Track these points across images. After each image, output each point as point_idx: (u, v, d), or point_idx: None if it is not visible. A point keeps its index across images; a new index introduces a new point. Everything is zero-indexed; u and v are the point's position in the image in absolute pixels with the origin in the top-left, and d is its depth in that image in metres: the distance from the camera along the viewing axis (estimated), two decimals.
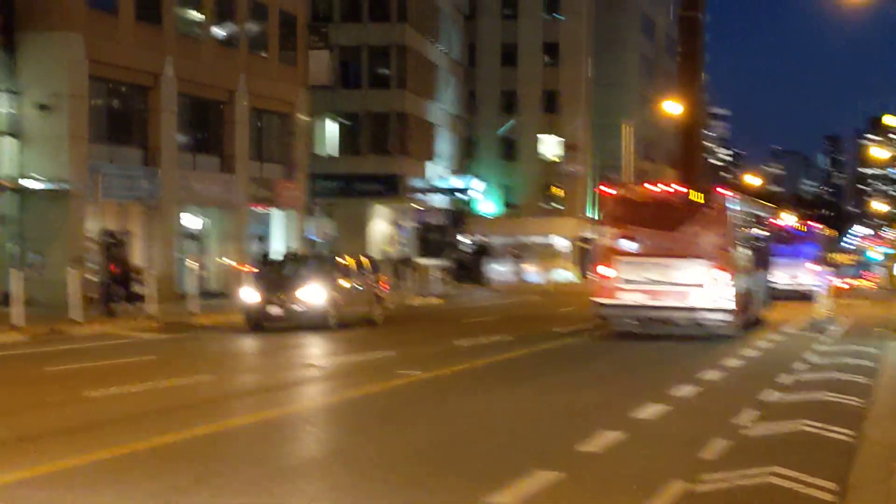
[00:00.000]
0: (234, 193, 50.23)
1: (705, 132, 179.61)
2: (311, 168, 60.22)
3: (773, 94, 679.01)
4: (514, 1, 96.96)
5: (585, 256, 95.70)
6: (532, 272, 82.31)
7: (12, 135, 40.21)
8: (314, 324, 33.05)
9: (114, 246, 40.97)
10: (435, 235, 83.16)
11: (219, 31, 50.07)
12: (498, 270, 73.43)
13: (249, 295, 33.88)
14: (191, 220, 49.23)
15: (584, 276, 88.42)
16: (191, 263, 43.71)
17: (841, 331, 35.68)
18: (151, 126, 45.46)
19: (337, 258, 36.82)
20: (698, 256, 30.38)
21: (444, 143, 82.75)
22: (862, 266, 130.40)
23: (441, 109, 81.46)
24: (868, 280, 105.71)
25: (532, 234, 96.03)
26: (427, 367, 23.05)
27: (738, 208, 32.74)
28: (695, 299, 30.43)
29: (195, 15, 48.80)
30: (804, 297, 45.10)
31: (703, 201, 31.08)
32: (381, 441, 14.68)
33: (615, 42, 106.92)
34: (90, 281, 39.38)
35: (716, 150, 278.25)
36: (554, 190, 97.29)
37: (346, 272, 35.47)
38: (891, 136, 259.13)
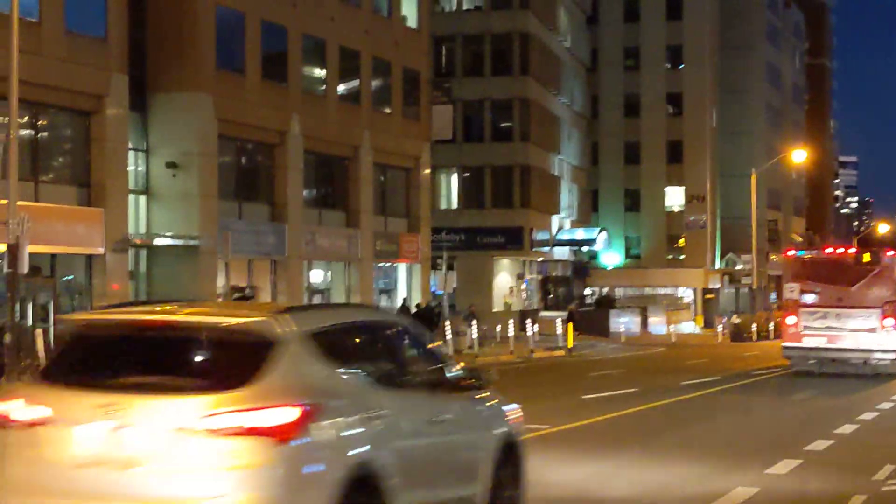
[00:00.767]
0: (358, 248, 50.68)
1: (833, 181, 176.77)
2: (434, 221, 60.56)
3: None
4: (636, 52, 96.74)
5: (710, 307, 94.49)
6: (657, 324, 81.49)
7: (143, 192, 41.15)
8: None
9: (243, 300, 41.56)
10: (558, 287, 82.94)
11: (343, 89, 50.76)
12: (622, 322, 72.86)
13: None
14: (317, 275, 49.76)
15: (708, 326, 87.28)
16: None
17: None
18: (278, 182, 46.16)
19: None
20: (869, 307, 35.85)
21: (567, 195, 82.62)
22: None
23: (564, 161, 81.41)
24: None
25: (656, 286, 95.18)
26: (554, 422, 22.86)
27: None
28: (866, 342, 35.87)
29: (320, 73, 49.57)
30: None
31: (871, 260, 36.59)
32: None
33: (740, 91, 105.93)
34: None
35: (844, 197, 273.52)
36: (680, 243, 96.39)
37: None
38: None
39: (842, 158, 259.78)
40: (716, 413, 26.30)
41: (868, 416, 25.21)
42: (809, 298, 36.96)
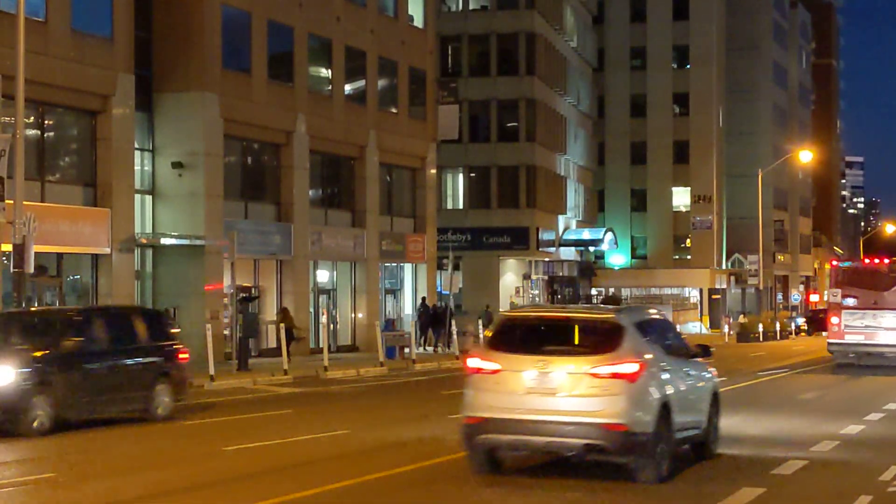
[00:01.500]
0: (364, 248, 50.67)
1: (840, 181, 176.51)
2: (440, 221, 60.52)
3: None
4: (642, 52, 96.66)
5: (716, 308, 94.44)
6: None
7: (149, 192, 41.16)
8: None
9: (247, 301, 41.56)
10: (564, 288, 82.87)
11: (349, 89, 50.77)
12: None
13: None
14: (323, 275, 49.77)
15: (714, 327, 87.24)
16: (323, 318, 44.18)
17: None
18: (284, 182, 46.16)
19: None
20: None
21: (573, 195, 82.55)
22: None
23: (570, 161, 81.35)
24: None
25: (662, 286, 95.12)
26: None
27: None
28: None
29: (326, 73, 49.56)
30: None
31: None
32: (519, 497, 14.52)
33: (747, 91, 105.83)
34: (225, 335, 40.05)
35: (851, 197, 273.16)
36: (687, 243, 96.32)
37: None
38: None
39: (848, 158, 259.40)
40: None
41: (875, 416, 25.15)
42: (850, 302, 43.00)
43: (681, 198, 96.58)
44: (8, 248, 30.17)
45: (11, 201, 28.91)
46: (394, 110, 53.62)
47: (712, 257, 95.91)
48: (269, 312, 45.12)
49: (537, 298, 75.57)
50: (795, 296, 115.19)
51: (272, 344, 43.11)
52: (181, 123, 41.04)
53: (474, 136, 72.82)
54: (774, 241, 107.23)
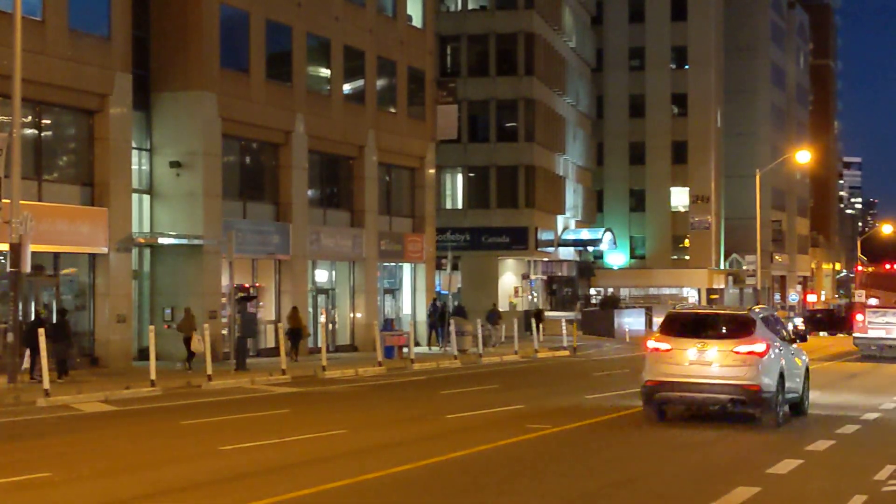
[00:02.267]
0: (363, 247, 50.63)
1: (837, 181, 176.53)
2: (439, 221, 60.48)
3: None
4: (641, 52, 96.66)
5: (715, 307, 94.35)
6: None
7: (147, 192, 41.13)
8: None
9: (246, 300, 41.54)
10: (563, 287, 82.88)
11: (348, 88, 50.73)
12: (627, 322, 72.81)
13: None
14: (321, 275, 49.74)
15: None
16: (322, 318, 44.19)
17: None
18: (282, 182, 46.13)
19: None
20: None
21: (572, 195, 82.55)
22: None
23: (569, 161, 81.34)
24: None
25: (661, 286, 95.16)
26: (557, 422, 22.84)
27: None
28: None
29: (324, 73, 49.52)
30: None
31: None
32: (511, 496, 14.54)
33: (745, 92, 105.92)
34: (223, 335, 40.02)
35: (848, 198, 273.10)
36: (685, 243, 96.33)
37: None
38: None
39: (846, 159, 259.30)
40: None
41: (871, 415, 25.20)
42: (873, 301, 50.63)
43: (679, 198, 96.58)
44: (5, 247, 30.17)
45: (8, 200, 28.91)
46: (392, 110, 53.59)
47: (710, 257, 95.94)
48: (268, 312, 45.11)
49: (536, 299, 75.57)
50: (793, 296, 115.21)
51: (270, 344, 43.10)
52: (179, 123, 41.00)
53: (473, 135, 72.83)
54: (772, 242, 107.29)
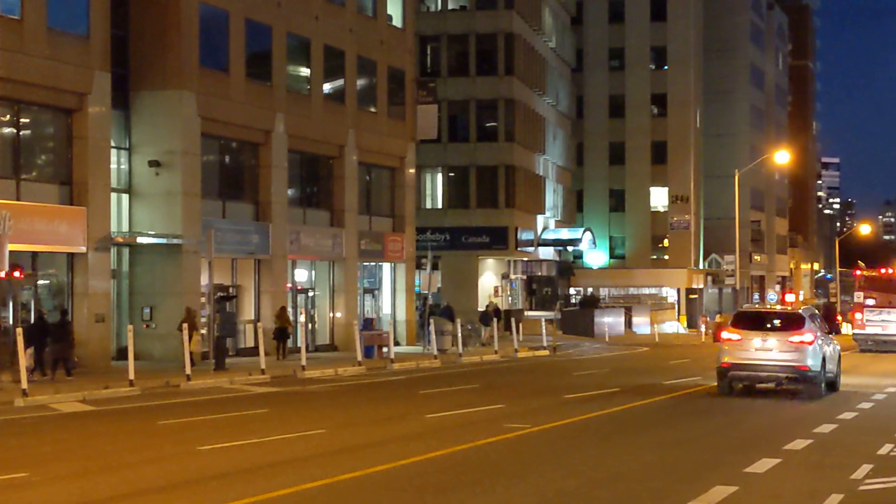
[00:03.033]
0: (343, 247, 50.61)
1: (816, 182, 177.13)
2: (419, 221, 60.48)
3: (884, 140, 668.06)
4: (620, 53, 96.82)
5: (694, 307, 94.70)
6: (641, 323, 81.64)
7: (125, 191, 41.01)
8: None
9: (225, 300, 41.48)
10: (543, 287, 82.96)
11: (328, 88, 50.68)
12: (606, 322, 72.98)
13: None
14: (301, 274, 49.68)
15: (691, 326, 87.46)
16: (301, 317, 44.16)
17: None
18: (262, 181, 46.06)
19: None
20: None
21: (552, 195, 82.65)
22: None
23: (549, 161, 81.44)
24: None
25: (640, 286, 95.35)
26: (536, 421, 22.88)
27: None
28: None
29: (304, 72, 49.47)
30: None
31: None
32: (490, 495, 14.56)
33: (724, 92, 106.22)
34: (202, 335, 39.92)
35: (827, 198, 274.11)
36: (664, 243, 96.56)
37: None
38: None
39: (824, 160, 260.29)
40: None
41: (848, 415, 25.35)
42: (870, 301, 56.78)
43: (659, 198, 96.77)
44: None
45: None
46: (373, 110, 53.57)
47: (690, 257, 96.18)
48: (247, 312, 45.05)
49: (511, 297, 75.64)
50: (772, 295, 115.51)
51: (250, 343, 43.05)
52: (158, 122, 40.91)
53: (453, 135, 72.84)
54: (751, 242, 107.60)
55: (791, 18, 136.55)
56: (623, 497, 14.67)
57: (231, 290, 43.70)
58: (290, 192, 47.56)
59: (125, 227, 40.65)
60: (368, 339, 44.20)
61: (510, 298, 74.96)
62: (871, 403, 28.88)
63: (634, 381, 34.86)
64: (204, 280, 40.48)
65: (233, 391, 30.87)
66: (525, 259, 77.20)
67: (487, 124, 73.43)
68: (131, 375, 29.93)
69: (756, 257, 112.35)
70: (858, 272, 62.49)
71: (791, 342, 29.09)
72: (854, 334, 58.21)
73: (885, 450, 19.47)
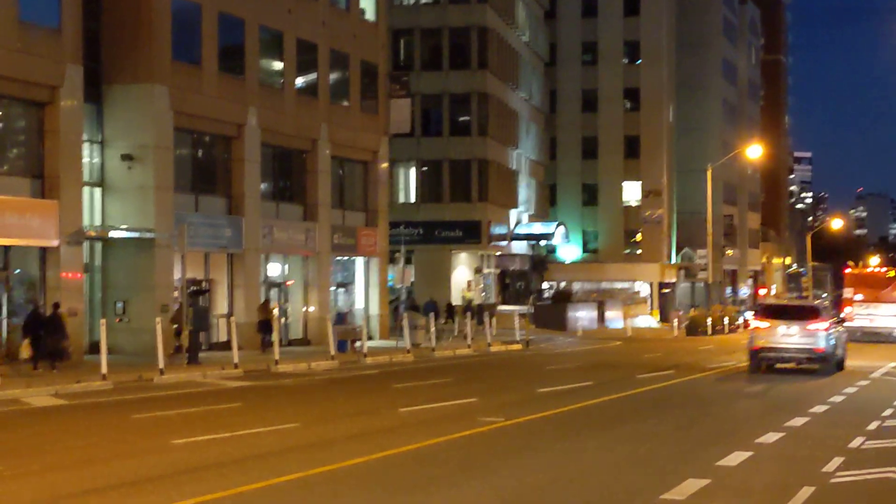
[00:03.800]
0: (316, 241, 50.55)
1: (788, 176, 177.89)
2: (392, 215, 60.48)
3: (856, 135, 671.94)
4: (593, 47, 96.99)
5: (666, 302, 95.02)
6: (613, 318, 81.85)
7: (98, 185, 40.86)
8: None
9: (198, 294, 41.37)
10: (516, 281, 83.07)
11: (300, 82, 50.60)
12: (579, 316, 73.11)
13: None
14: (274, 268, 49.61)
15: (664, 320, 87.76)
16: (274, 311, 44.11)
17: None
18: (235, 175, 45.96)
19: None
20: (892, 302, 62.51)
21: (525, 189, 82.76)
22: None
23: (522, 155, 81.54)
24: None
25: (613, 280, 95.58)
26: (510, 415, 22.94)
27: None
28: (891, 323, 62.20)
29: (277, 66, 49.38)
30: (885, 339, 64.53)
31: (894, 275, 64.09)
32: (463, 489, 14.60)
33: (697, 87, 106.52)
34: (174, 329, 39.82)
35: (799, 192, 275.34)
36: (637, 237, 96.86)
37: None
38: None
39: (797, 154, 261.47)
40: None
41: (819, 408, 25.50)
42: (858, 297, 62.86)
43: (632, 192, 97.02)
44: None
45: None
46: (346, 103, 53.52)
47: (662, 251, 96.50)
48: (220, 306, 44.96)
49: (485, 292, 75.72)
50: (744, 290, 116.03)
51: (223, 337, 42.97)
52: (131, 115, 40.76)
53: (426, 129, 72.86)
54: (724, 236, 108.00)
55: (764, 13, 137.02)
56: (596, 491, 14.73)
57: (204, 284, 43.60)
58: (262, 185, 47.47)
59: (98, 221, 40.51)
60: (342, 333, 44.17)
61: (483, 293, 75.03)
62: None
63: (607, 375, 34.98)
64: (177, 274, 40.39)
65: (206, 385, 30.83)
66: (498, 253, 77.30)
67: (461, 118, 73.46)
68: (104, 369, 29.85)
69: (728, 251, 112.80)
70: (848, 270, 68.13)
71: (809, 329, 35.82)
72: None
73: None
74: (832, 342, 36.36)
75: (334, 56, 52.38)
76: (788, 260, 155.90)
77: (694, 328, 72.05)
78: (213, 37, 44.37)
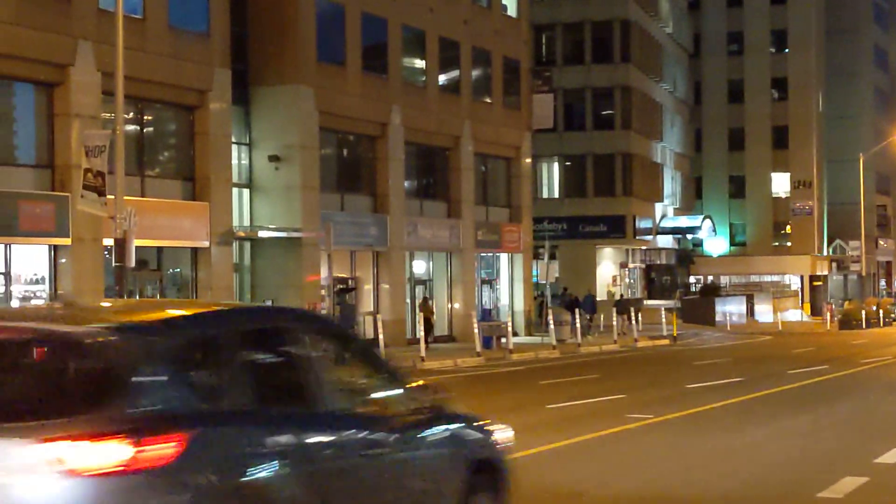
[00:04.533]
0: (460, 238, 50.72)
1: None
2: (536, 211, 60.36)
3: None
4: (739, 37, 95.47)
5: (818, 295, 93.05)
6: (763, 312, 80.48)
7: (246, 186, 41.59)
8: None
9: (345, 292, 41.85)
10: (662, 276, 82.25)
11: (443, 79, 50.81)
12: (727, 310, 72.08)
13: None
14: (419, 266, 49.91)
15: (815, 314, 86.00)
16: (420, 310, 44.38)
17: None
18: (379, 174, 46.37)
19: None
20: None
21: (670, 183, 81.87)
22: None
23: (666, 148, 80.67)
24: None
25: (762, 273, 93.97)
26: (658, 411, 22.67)
27: None
28: None
29: (420, 64, 49.67)
30: None
31: None
32: (612, 488, 14.47)
33: (847, 75, 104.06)
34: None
35: None
36: (786, 229, 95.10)
37: None
38: None
39: None
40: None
41: None
42: None
43: (780, 184, 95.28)
44: (110, 242, 30.71)
45: (113, 196, 29.40)
46: (488, 100, 53.57)
47: (813, 244, 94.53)
48: (366, 304, 45.39)
49: (626, 287, 75.13)
50: None
51: (369, 335, 43.37)
52: (277, 117, 41.40)
53: (569, 124, 72.57)
54: (877, 227, 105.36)
55: None
56: (752, 487, 14.45)
57: (350, 281, 44.06)
58: (406, 183, 47.80)
59: (246, 222, 41.24)
60: (487, 329, 44.26)
61: (629, 287, 74.43)
62: None
63: (758, 370, 34.37)
64: (323, 272, 40.89)
65: None
66: (643, 247, 76.64)
67: (604, 112, 73.01)
68: None
69: (882, 242, 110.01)
70: None
71: None
72: None
73: None
74: None
75: (476, 53, 52.46)
76: None
77: (847, 322, 70.38)
78: (356, 37, 44.81)
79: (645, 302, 70.88)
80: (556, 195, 72.43)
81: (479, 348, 40.04)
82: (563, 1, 73.58)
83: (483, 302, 53.49)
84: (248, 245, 41.74)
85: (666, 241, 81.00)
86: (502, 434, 9.44)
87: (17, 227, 31.52)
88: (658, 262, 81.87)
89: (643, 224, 73.91)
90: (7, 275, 32.38)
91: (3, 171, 32.12)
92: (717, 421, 21.74)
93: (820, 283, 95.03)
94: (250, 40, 41.58)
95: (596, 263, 72.22)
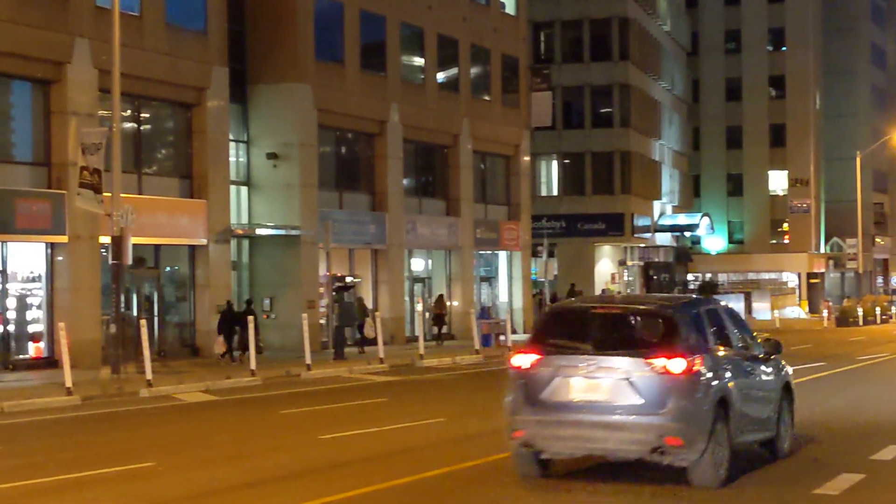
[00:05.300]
0: (459, 236, 50.70)
1: None
2: (534, 209, 60.33)
3: None
4: (737, 35, 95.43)
5: (815, 292, 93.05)
6: (761, 309, 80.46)
7: (244, 184, 41.56)
8: None
9: (343, 290, 41.82)
10: (660, 273, 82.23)
11: (442, 77, 50.78)
12: None
13: None
14: (417, 264, 49.89)
15: (813, 311, 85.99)
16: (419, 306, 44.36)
17: None
18: (378, 172, 46.33)
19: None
20: None
21: (669, 180, 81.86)
22: None
23: (665, 146, 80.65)
24: None
25: (760, 271, 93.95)
26: None
27: None
28: None
29: (418, 62, 49.63)
30: None
31: None
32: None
33: (844, 73, 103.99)
34: (321, 324, 40.34)
35: None
36: (784, 227, 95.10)
37: None
38: None
39: None
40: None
41: None
42: None
43: (778, 181, 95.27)
44: (107, 239, 30.70)
45: (110, 194, 29.39)
46: (487, 98, 53.54)
47: (810, 241, 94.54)
48: (366, 302, 45.32)
49: (633, 285, 75.10)
50: None
51: (369, 333, 43.32)
52: (275, 115, 41.36)
53: (568, 122, 72.52)
54: (874, 225, 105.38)
55: None
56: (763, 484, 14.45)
57: (349, 280, 44.03)
58: (405, 181, 47.77)
59: (244, 220, 41.20)
60: (486, 327, 44.23)
61: (628, 285, 74.42)
62: None
63: None
64: (322, 270, 40.86)
65: (352, 380, 31.11)
66: (642, 245, 76.59)
67: (602, 110, 72.96)
68: (253, 366, 30.32)
69: (879, 240, 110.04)
70: None
71: None
72: None
73: None
74: None
75: (475, 51, 52.44)
76: None
77: (845, 319, 70.38)
78: (354, 35, 44.77)
79: None
80: (555, 193, 72.37)
81: (477, 346, 40.02)
82: None
83: (482, 300, 53.47)
84: (246, 243, 41.70)
85: (664, 239, 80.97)
86: (790, 370, 17.20)
87: (14, 225, 31.49)
88: (656, 259, 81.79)
89: (641, 222, 73.86)
90: (3, 272, 32.36)
91: (0, 169, 32.09)
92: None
93: (817, 280, 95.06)
94: (248, 38, 41.53)
95: (594, 261, 72.15)
